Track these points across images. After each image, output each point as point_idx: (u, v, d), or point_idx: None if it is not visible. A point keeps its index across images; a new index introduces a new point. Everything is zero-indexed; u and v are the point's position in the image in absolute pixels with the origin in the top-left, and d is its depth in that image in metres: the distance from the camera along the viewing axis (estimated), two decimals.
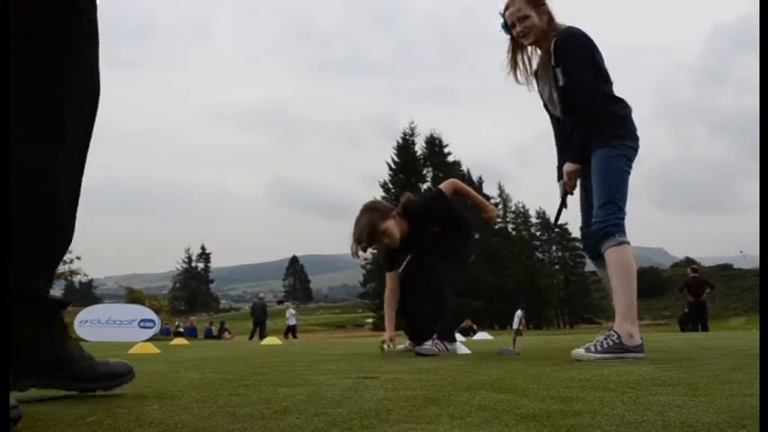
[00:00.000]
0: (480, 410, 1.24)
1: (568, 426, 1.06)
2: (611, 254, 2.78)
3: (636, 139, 2.95)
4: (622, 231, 2.80)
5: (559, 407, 1.27)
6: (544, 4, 2.99)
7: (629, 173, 2.92)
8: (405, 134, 57.84)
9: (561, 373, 2.06)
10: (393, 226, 3.64)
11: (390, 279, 3.85)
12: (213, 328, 28.25)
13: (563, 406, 1.28)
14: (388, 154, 60.29)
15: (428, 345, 3.33)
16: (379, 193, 51.83)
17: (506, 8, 3.04)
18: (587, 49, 2.92)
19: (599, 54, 2.96)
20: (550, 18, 2.99)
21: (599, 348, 2.63)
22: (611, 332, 2.68)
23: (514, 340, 3.47)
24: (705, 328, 14.25)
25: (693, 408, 1.22)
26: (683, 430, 1.00)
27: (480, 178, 63.90)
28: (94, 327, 16.71)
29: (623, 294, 2.73)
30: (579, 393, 1.48)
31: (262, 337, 18.26)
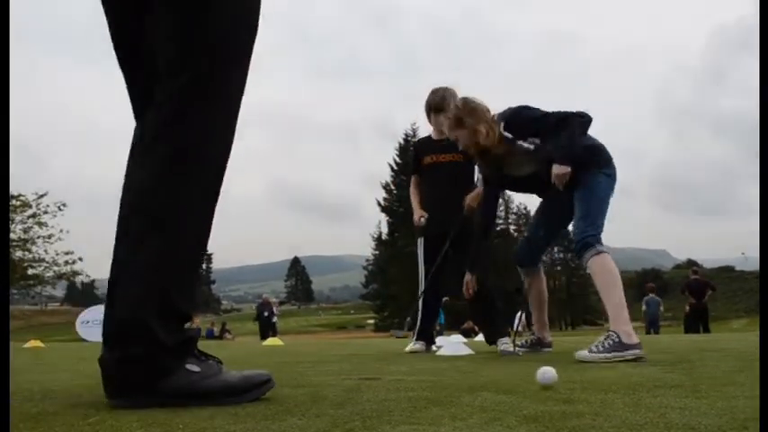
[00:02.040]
0: (482, 412, 1.24)
1: (570, 427, 1.06)
2: (593, 263, 2.95)
3: (613, 167, 3.15)
4: (600, 242, 2.98)
5: (561, 408, 1.27)
6: (463, 122, 3.14)
7: (610, 196, 3.11)
8: (406, 135, 57.80)
9: (563, 374, 2.05)
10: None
11: (414, 181, 4.34)
12: (215, 328, 28.28)
13: (565, 407, 1.28)
14: (390, 155, 60.38)
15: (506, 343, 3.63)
16: (380, 195, 51.90)
17: None
18: (533, 109, 3.12)
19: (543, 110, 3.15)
20: (480, 121, 3.13)
21: (600, 348, 2.72)
22: (611, 332, 2.78)
23: (514, 341, 3.48)
24: (706, 330, 14.25)
25: (695, 410, 1.22)
26: None
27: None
28: (96, 327, 16.68)
29: (612, 298, 2.90)
30: (581, 395, 1.48)
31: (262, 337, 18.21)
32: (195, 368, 1.41)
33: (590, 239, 2.95)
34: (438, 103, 4.05)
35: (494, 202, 3.54)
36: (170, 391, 1.36)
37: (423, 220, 4.10)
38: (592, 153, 3.08)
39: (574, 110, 3.08)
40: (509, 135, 3.09)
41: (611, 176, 3.12)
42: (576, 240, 3.00)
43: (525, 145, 3.09)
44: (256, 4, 1.52)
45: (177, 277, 1.42)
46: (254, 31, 1.53)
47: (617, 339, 2.73)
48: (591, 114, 3.05)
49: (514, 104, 3.17)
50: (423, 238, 4.18)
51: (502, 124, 3.11)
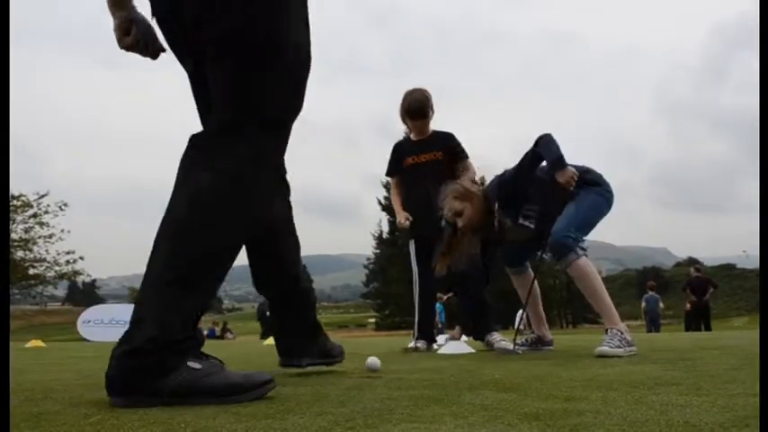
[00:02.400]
0: (483, 410, 1.24)
1: (571, 425, 1.06)
2: (576, 267, 2.99)
3: (608, 189, 3.18)
4: (579, 247, 3.02)
5: (562, 406, 1.27)
6: (473, 194, 3.19)
7: (600, 213, 3.14)
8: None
9: (564, 372, 2.06)
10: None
11: (395, 182, 4.32)
12: (216, 328, 28.28)
13: (566, 405, 1.28)
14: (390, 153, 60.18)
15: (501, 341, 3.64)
16: (381, 194, 51.91)
17: (442, 207, 3.26)
18: (504, 172, 3.21)
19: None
20: (480, 197, 3.20)
21: (618, 344, 2.81)
22: (616, 330, 2.87)
23: (515, 340, 3.48)
24: (708, 328, 14.23)
25: (696, 407, 1.22)
26: (687, 429, 1.00)
27: (483, 178, 63.73)
28: (98, 327, 16.72)
29: (602, 299, 2.99)
30: (582, 393, 1.48)
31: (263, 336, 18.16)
32: (197, 365, 1.44)
33: (571, 243, 2.98)
34: (414, 107, 4.08)
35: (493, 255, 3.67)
36: (172, 388, 1.39)
37: (407, 222, 4.09)
38: (584, 175, 3.10)
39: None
40: (506, 217, 3.21)
41: (606, 197, 3.16)
42: (556, 238, 2.99)
43: (526, 224, 3.19)
44: (305, 73, 1.64)
45: (185, 279, 1.44)
46: (300, 101, 1.64)
47: (622, 336, 2.85)
48: (547, 132, 3.13)
49: (491, 181, 3.29)
50: (413, 241, 4.20)
51: (496, 206, 3.20)
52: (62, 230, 27.85)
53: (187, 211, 1.48)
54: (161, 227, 1.49)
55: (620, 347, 2.79)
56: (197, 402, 1.37)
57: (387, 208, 54.24)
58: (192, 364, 1.43)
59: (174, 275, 1.43)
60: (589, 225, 3.09)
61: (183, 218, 1.48)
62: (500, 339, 3.68)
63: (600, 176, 3.20)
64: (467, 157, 4.20)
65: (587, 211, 3.08)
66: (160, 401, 1.36)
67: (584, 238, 3.07)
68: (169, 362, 1.40)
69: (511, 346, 3.41)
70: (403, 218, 4.11)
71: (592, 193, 3.11)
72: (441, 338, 4.55)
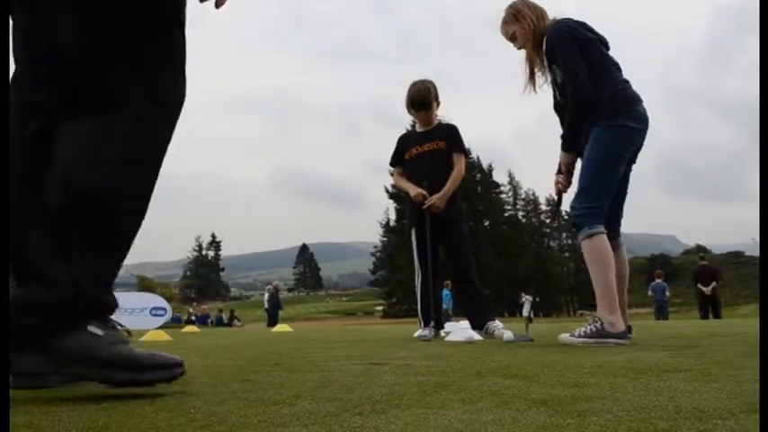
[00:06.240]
0: (491, 396, 1.25)
1: (579, 411, 1.06)
2: (584, 246, 2.88)
3: (638, 118, 2.90)
4: (592, 222, 2.83)
5: (570, 392, 1.27)
6: (523, 15, 3.07)
7: (620, 155, 2.89)
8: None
9: (571, 359, 2.06)
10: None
11: (398, 171, 4.36)
12: (223, 315, 28.49)
13: (573, 391, 1.28)
14: (393, 141, 60.26)
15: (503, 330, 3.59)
16: (388, 181, 51.87)
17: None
18: (570, 41, 2.91)
19: (588, 37, 2.96)
20: (539, 19, 3.06)
21: (582, 334, 2.78)
22: (596, 318, 2.82)
23: (527, 326, 3.48)
24: (717, 317, 14.13)
25: (705, 393, 1.22)
26: (695, 415, 1.00)
27: (490, 165, 63.66)
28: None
29: (597, 284, 2.84)
30: (590, 379, 1.48)
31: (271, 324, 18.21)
32: (98, 332, 1.28)
33: (580, 220, 2.85)
34: (417, 98, 4.08)
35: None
36: (64, 351, 1.26)
37: (421, 194, 4.04)
38: (600, 105, 2.87)
39: (582, 86, 2.86)
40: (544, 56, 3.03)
41: (630, 128, 2.87)
42: (571, 216, 2.89)
43: (556, 70, 2.97)
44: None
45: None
46: None
47: (599, 327, 2.77)
48: (617, 86, 2.90)
49: (562, 20, 3.01)
50: (414, 229, 4.22)
51: (545, 39, 2.99)
52: None
53: None
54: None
55: (587, 338, 2.74)
56: (83, 372, 1.28)
57: (394, 196, 54.24)
58: (92, 328, 1.28)
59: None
60: (605, 180, 2.86)
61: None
62: (501, 327, 3.69)
63: (622, 110, 2.89)
64: (463, 151, 4.17)
65: (597, 165, 2.86)
66: (49, 367, 1.27)
67: (605, 196, 2.87)
68: (70, 320, 1.26)
69: (512, 335, 3.35)
70: (416, 192, 4.06)
71: (601, 132, 2.85)
72: (448, 326, 4.55)
